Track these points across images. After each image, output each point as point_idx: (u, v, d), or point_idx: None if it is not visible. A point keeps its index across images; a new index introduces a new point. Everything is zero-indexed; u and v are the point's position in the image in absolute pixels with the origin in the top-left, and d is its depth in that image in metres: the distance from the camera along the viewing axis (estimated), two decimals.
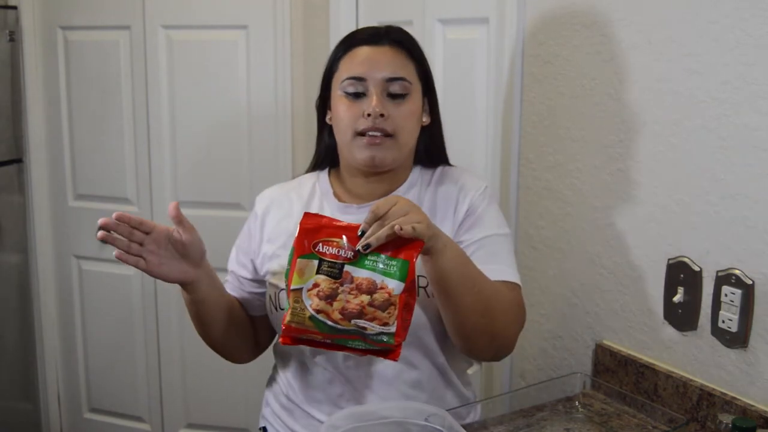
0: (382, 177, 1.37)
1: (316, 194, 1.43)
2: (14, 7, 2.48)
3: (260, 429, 1.49)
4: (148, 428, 2.70)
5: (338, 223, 1.16)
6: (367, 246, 1.11)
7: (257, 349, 1.50)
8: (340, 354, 1.31)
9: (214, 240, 2.58)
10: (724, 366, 1.34)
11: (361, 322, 1.10)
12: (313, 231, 1.15)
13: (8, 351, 2.57)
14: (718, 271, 1.33)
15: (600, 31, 1.53)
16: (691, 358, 1.40)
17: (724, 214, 1.32)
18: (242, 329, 1.44)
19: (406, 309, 1.13)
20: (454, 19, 1.94)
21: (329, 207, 1.39)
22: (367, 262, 1.12)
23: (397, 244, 1.12)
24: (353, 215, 1.34)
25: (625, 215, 1.52)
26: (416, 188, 1.39)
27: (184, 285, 1.29)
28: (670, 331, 1.44)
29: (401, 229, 1.09)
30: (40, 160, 2.59)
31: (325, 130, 1.44)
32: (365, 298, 1.11)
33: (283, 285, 1.25)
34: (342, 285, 1.12)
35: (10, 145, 2.52)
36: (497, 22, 1.79)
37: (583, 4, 1.57)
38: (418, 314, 1.27)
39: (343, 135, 1.34)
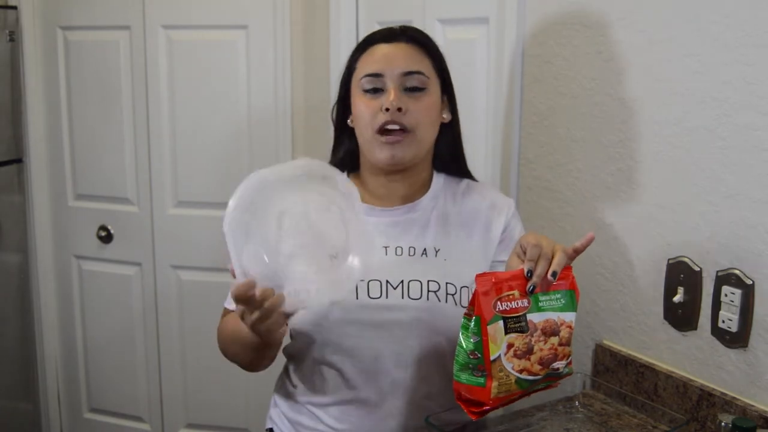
0: (403, 176, 1.38)
1: None
2: (14, 7, 2.48)
3: (267, 430, 1.48)
4: (148, 428, 2.70)
5: (506, 276, 1.12)
6: (554, 273, 1.11)
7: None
8: (351, 360, 1.31)
9: (215, 240, 2.59)
10: (724, 366, 1.34)
11: (556, 364, 1.11)
12: (489, 292, 1.10)
13: (8, 351, 2.57)
14: (718, 271, 1.33)
15: (600, 31, 1.53)
16: (691, 358, 1.40)
17: (724, 214, 1.32)
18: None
19: None
20: (454, 19, 1.94)
21: None
22: (538, 305, 1.12)
23: (547, 279, 1.13)
24: (377, 217, 1.37)
25: (625, 215, 1.52)
26: (441, 199, 1.40)
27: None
28: (670, 331, 1.44)
29: (586, 242, 1.16)
30: (40, 160, 2.59)
31: (344, 134, 1.43)
32: (554, 339, 1.11)
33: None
34: (532, 335, 1.11)
35: (10, 145, 2.52)
36: (497, 22, 1.79)
37: (583, 4, 1.57)
38: (443, 324, 1.28)
39: (363, 132, 1.34)
